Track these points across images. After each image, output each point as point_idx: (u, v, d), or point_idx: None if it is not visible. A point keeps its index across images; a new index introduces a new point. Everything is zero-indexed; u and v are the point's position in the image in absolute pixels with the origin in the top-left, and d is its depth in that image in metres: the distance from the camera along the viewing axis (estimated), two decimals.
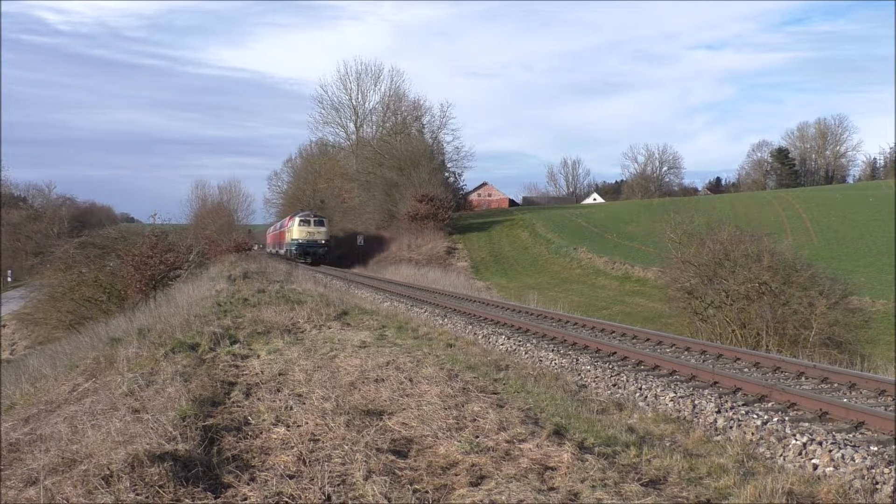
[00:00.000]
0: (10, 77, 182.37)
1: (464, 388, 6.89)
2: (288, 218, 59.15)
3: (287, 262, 41.10)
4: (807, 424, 7.42)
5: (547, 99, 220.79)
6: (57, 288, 33.87)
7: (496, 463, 4.85)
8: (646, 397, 9.22)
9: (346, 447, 5.04)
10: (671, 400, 8.82)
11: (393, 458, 4.90)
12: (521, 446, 5.21)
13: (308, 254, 51.15)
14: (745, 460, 6.09)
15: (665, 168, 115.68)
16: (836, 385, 9.31)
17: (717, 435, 7.57)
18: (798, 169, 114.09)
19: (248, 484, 4.46)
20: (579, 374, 10.68)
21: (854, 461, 6.36)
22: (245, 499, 4.28)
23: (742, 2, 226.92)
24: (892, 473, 6.01)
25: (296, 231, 51.92)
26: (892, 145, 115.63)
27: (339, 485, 4.43)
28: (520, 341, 13.37)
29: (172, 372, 7.65)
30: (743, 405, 8.23)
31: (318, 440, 5.31)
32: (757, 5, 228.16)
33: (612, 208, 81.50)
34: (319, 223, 52.97)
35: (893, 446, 6.59)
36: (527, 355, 12.27)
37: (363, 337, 10.32)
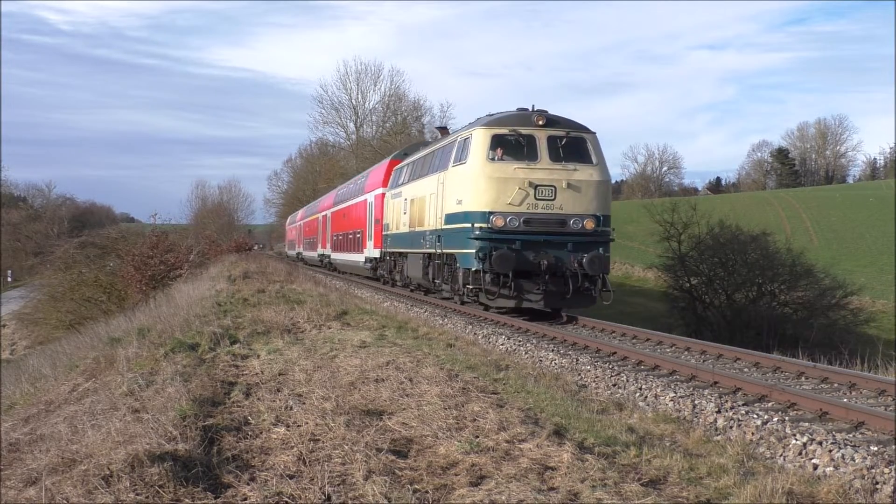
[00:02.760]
0: (11, 77, 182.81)
1: (464, 388, 6.89)
2: (406, 167, 21.74)
3: (290, 263, 29.54)
4: (807, 424, 7.41)
5: (548, 99, 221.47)
6: (57, 288, 33.98)
7: (496, 463, 4.85)
8: (646, 397, 9.21)
9: (346, 447, 5.04)
10: (671, 400, 8.82)
11: (393, 458, 4.90)
12: (521, 446, 5.21)
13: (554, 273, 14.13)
14: (745, 460, 6.08)
15: (665, 168, 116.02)
16: (836, 385, 9.30)
17: (717, 435, 7.57)
18: (798, 169, 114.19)
19: (248, 484, 4.45)
20: (579, 374, 10.67)
21: (854, 461, 6.35)
22: (245, 499, 4.28)
23: (743, 2, 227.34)
24: (892, 473, 6.01)
25: (476, 180, 14.20)
26: (892, 145, 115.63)
27: (339, 485, 4.43)
28: (520, 341, 13.36)
29: (172, 372, 7.64)
30: (743, 405, 8.22)
31: (318, 440, 5.31)
32: (758, 5, 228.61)
33: (612, 208, 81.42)
34: (577, 153, 14.90)
35: (893, 446, 6.59)
36: (527, 355, 12.26)
37: (363, 337, 10.31)
